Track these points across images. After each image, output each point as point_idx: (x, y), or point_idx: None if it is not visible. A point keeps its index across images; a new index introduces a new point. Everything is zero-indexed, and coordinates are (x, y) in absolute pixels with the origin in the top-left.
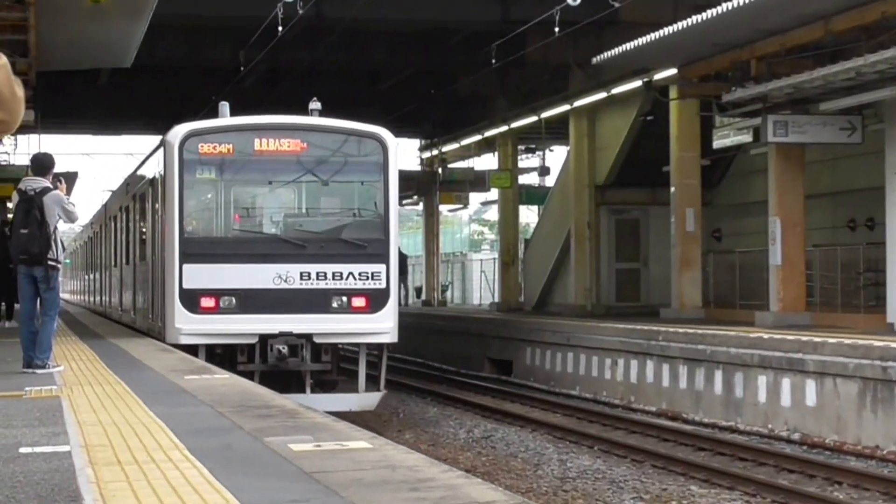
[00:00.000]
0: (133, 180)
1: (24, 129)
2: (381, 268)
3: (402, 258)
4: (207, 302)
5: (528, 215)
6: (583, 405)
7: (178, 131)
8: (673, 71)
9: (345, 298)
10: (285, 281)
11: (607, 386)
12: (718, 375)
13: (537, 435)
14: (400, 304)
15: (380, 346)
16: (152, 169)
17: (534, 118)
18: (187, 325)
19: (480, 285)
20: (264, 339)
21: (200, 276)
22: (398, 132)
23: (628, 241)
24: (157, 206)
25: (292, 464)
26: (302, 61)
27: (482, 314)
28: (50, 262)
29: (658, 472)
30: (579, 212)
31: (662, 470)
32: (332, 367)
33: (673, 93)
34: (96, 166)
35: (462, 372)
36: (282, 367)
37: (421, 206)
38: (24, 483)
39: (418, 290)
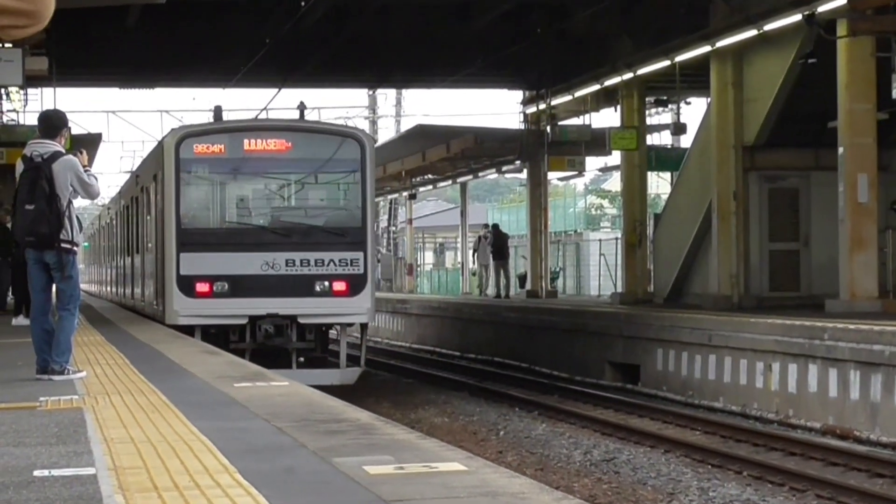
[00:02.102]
0: (141, 172)
1: (37, 81)
2: (360, 255)
3: (501, 238)
4: (202, 287)
5: (659, 184)
6: (728, 420)
7: (175, 133)
8: (842, 1)
9: (326, 283)
10: (272, 267)
11: (759, 396)
12: None
13: (671, 457)
14: (499, 296)
15: (360, 327)
16: (154, 165)
17: (666, 63)
18: (184, 307)
19: (599, 272)
20: (253, 319)
21: (196, 263)
22: (496, 81)
23: (785, 216)
24: (158, 199)
25: (368, 490)
26: None
27: (602, 307)
28: (63, 245)
29: None
30: (723, 179)
31: (829, 501)
32: (317, 345)
33: (841, 29)
34: (124, 127)
35: (577, 379)
36: (269, 345)
37: (524, 174)
38: None
39: (522, 279)
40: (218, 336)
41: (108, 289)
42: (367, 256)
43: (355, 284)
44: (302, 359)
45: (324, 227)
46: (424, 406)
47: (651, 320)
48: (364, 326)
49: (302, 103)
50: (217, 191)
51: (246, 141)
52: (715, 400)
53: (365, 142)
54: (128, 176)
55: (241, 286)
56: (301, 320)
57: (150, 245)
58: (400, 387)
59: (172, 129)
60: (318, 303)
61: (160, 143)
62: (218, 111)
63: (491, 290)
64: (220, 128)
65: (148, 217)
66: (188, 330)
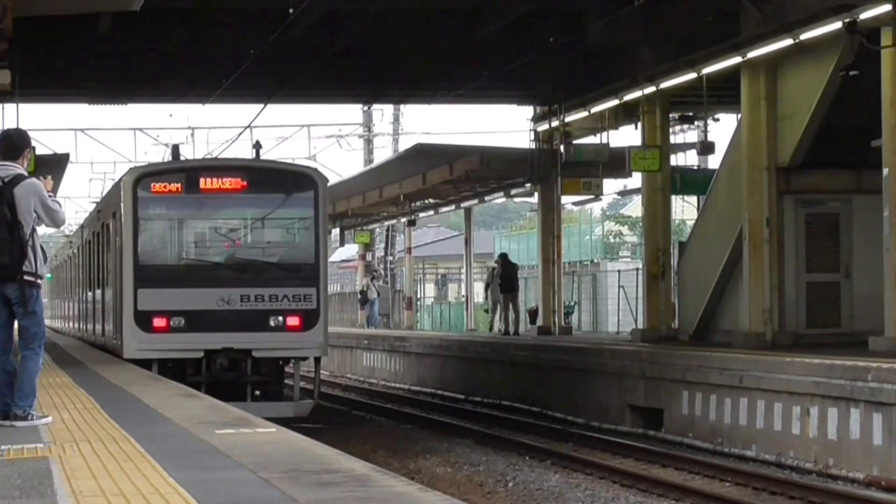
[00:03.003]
0: (102, 207)
1: None
2: (312, 291)
3: (511, 269)
4: (159, 322)
5: (685, 209)
6: (761, 470)
7: (133, 172)
8: (886, 8)
9: (280, 318)
10: (227, 303)
11: (796, 444)
12: None
13: None
14: (508, 334)
15: (314, 361)
16: (114, 202)
17: (692, 75)
18: (141, 342)
19: (618, 306)
20: (209, 353)
21: (153, 299)
22: (504, 96)
23: (823, 244)
24: (117, 236)
25: None
26: (372, 1)
27: (621, 345)
28: (27, 277)
29: None
30: (755, 204)
31: None
32: (271, 378)
33: (886, 38)
34: (93, 147)
35: (594, 425)
36: (224, 379)
37: (535, 198)
38: None
39: (533, 314)
40: (175, 370)
41: (73, 325)
42: (320, 292)
43: (308, 319)
44: (258, 392)
45: (278, 264)
46: (425, 455)
47: (676, 360)
48: (317, 360)
49: (257, 142)
50: (174, 228)
51: (202, 180)
52: (747, 448)
53: (318, 181)
54: (96, 202)
55: (197, 321)
56: (255, 354)
57: (110, 280)
58: (398, 433)
59: (130, 168)
60: (273, 337)
61: (118, 182)
62: (175, 150)
63: (499, 326)
64: (177, 167)
65: (108, 253)
66: (146, 364)
